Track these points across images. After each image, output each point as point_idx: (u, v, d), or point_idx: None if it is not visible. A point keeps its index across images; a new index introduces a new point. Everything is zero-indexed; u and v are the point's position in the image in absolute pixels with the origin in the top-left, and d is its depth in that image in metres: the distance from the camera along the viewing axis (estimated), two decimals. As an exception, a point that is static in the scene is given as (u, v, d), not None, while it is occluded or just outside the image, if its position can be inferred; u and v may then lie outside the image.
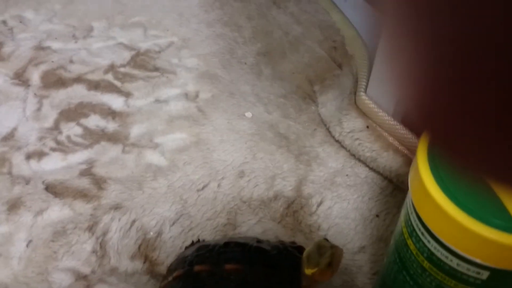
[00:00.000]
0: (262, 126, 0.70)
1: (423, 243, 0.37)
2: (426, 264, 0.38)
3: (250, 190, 0.63)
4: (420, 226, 0.37)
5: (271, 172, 0.65)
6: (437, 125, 0.13)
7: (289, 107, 0.73)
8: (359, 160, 0.66)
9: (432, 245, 0.36)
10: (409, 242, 0.40)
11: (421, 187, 0.35)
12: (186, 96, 0.76)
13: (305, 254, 0.45)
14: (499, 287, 0.35)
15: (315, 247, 0.45)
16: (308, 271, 0.44)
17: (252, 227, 0.60)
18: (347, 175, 0.65)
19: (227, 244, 0.47)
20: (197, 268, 0.46)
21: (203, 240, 0.52)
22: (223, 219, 0.60)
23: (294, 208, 0.62)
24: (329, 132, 0.69)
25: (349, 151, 0.66)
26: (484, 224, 0.31)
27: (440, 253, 0.36)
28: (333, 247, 0.45)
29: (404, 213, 0.40)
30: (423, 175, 0.35)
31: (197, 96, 0.75)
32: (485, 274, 0.34)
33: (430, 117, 0.13)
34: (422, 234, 0.37)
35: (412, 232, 0.39)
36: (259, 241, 0.48)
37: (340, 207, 0.62)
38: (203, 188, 0.63)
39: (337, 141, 0.68)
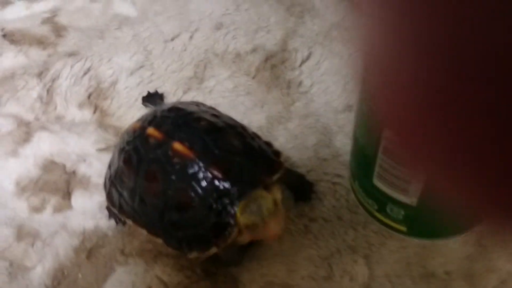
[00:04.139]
0: (253, -25, 0.60)
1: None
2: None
3: (226, 42, 0.54)
4: None
5: (254, 25, 0.55)
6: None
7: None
8: (360, 11, 0.54)
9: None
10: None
11: None
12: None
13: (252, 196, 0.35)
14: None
15: (263, 198, 0.35)
16: (239, 220, 0.35)
17: (221, 81, 0.51)
18: (345, 28, 0.54)
19: (198, 119, 0.39)
20: (150, 130, 0.38)
21: (179, 103, 0.43)
22: (189, 72, 0.52)
23: (274, 62, 0.52)
24: (331, -18, 0.58)
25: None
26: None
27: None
28: (266, 211, 0.34)
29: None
30: None
31: None
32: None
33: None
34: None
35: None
36: (237, 131, 0.39)
37: (330, 63, 0.51)
38: (172, 39, 0.54)
39: (338, -9, 0.57)
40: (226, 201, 0.36)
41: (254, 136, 0.41)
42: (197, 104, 0.43)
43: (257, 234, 0.35)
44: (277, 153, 0.40)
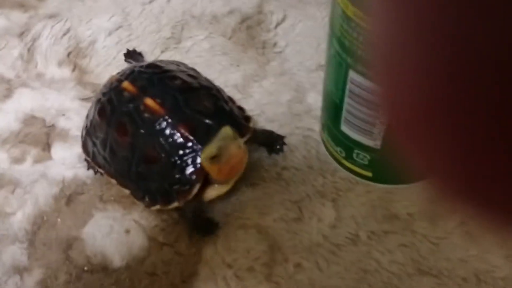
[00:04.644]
0: None
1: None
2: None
3: (204, 6, 0.55)
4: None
5: (231, -10, 0.56)
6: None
7: None
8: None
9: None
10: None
11: None
12: None
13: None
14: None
15: (219, 134, 0.36)
16: (201, 157, 0.36)
17: (198, 42, 0.52)
18: (319, -6, 0.56)
19: (173, 78, 0.40)
20: (125, 84, 0.39)
21: (159, 61, 0.45)
22: (166, 33, 0.53)
23: (249, 24, 0.53)
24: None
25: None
26: None
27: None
28: (227, 139, 0.35)
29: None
30: None
31: None
32: None
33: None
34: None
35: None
36: (210, 93, 0.41)
37: (304, 25, 0.53)
38: (150, 2, 0.56)
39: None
40: (190, 158, 0.37)
41: (228, 100, 0.42)
42: (178, 64, 0.44)
43: (221, 167, 0.36)
44: (247, 118, 0.42)
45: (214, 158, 0.35)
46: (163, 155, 0.37)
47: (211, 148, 0.35)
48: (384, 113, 0.14)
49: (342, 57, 0.34)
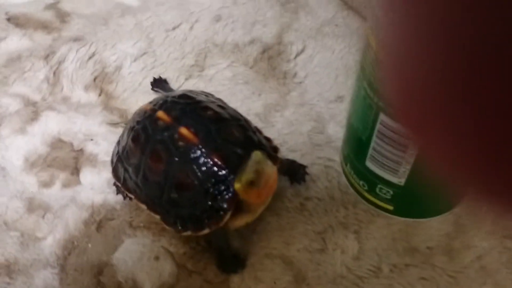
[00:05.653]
0: (249, -28, 0.63)
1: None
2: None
3: (225, 34, 0.57)
4: None
5: (251, 19, 0.58)
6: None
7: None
8: (352, 8, 0.58)
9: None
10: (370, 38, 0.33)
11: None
12: None
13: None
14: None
15: (252, 159, 0.37)
16: (236, 185, 0.37)
17: (221, 70, 0.54)
18: (336, 25, 0.57)
19: (205, 108, 0.41)
20: (160, 114, 0.41)
21: (189, 91, 0.46)
22: (190, 60, 0.55)
23: (270, 54, 0.55)
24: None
25: (341, -1, 0.58)
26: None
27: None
28: (261, 162, 0.36)
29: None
30: None
31: None
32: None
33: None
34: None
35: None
36: (240, 124, 0.42)
37: (323, 56, 0.55)
38: (173, 28, 0.57)
39: (330, -10, 0.60)
40: (223, 187, 0.39)
41: (256, 130, 0.44)
42: (207, 94, 0.45)
43: (260, 190, 0.37)
44: (275, 149, 0.43)
45: (251, 183, 0.36)
46: (196, 182, 0.39)
47: (249, 174, 0.36)
48: (408, 131, 0.14)
49: (373, 100, 0.36)
